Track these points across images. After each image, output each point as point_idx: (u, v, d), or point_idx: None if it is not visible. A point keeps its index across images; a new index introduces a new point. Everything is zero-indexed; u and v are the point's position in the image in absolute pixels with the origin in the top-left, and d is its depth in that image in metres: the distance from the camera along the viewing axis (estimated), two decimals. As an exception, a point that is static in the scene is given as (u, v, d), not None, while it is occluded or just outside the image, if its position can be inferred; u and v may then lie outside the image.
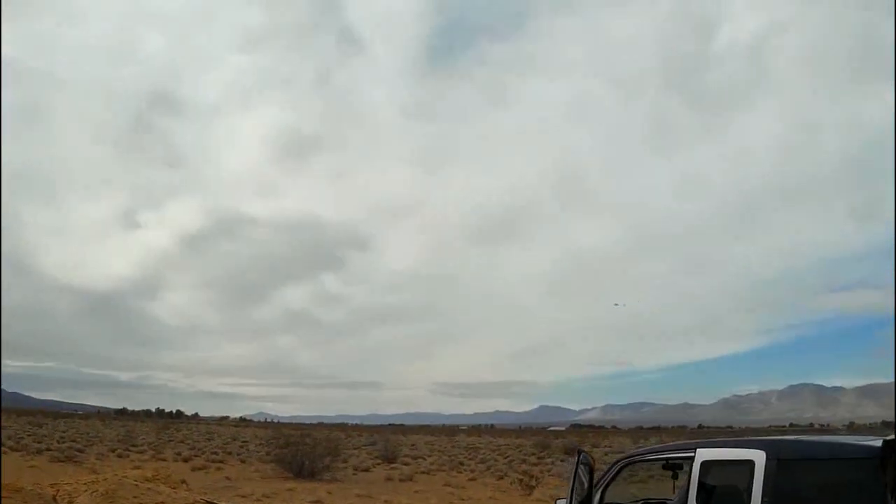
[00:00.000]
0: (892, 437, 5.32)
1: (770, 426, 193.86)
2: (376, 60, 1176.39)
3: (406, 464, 48.65)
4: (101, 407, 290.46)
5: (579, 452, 7.92)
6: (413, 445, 73.18)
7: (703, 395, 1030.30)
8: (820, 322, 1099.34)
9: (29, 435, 58.56)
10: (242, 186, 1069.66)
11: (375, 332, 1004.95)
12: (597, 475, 7.79)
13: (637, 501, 8.99)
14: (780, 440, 6.34)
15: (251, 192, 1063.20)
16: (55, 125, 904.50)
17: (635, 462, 7.94)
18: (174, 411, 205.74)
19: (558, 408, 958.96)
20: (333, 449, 41.19)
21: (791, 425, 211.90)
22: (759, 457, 5.78)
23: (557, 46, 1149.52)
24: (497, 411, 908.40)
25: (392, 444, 60.11)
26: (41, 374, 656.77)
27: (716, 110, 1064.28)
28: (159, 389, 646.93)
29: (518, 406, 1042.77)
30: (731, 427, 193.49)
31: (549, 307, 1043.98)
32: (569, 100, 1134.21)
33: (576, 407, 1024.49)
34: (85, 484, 19.17)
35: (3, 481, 19.67)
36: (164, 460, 43.31)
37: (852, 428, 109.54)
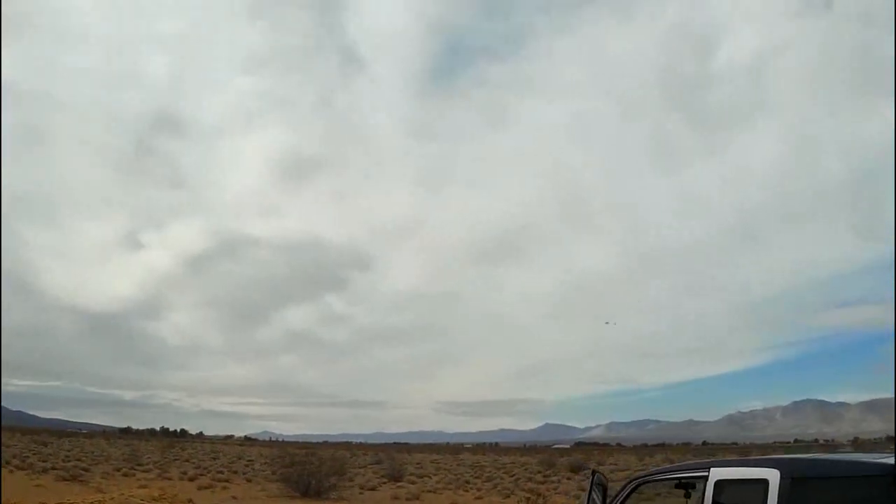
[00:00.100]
0: None
1: (775, 442, 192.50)
2: (378, 81, 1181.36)
3: (412, 482, 48.48)
4: (106, 426, 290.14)
5: (594, 473, 7.92)
6: (418, 464, 72.89)
7: (708, 412, 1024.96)
8: (823, 338, 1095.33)
9: (34, 453, 58.49)
10: (245, 207, 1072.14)
11: (378, 352, 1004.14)
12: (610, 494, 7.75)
13: None
14: (793, 458, 6.23)
15: (254, 213, 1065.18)
16: (57, 147, 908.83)
17: (649, 481, 7.83)
18: (178, 430, 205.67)
19: (563, 426, 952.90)
20: (339, 468, 41.14)
21: (795, 441, 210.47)
22: (773, 475, 5.67)
23: (557, 67, 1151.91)
24: (502, 429, 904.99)
25: (397, 462, 59.99)
26: (46, 393, 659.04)
27: (716, 129, 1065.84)
28: (164, 408, 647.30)
29: (522, 424, 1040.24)
30: (735, 444, 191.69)
31: (552, 326, 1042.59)
32: (569, 120, 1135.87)
33: (580, 425, 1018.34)
34: (91, 503, 19.16)
35: (9, 501, 19.68)
36: (169, 479, 43.18)
37: (856, 443, 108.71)
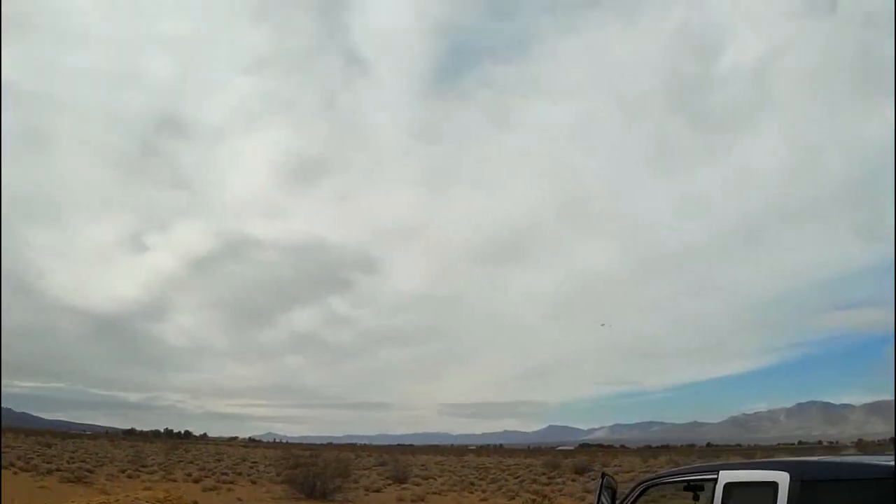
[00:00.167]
0: None
1: (779, 444, 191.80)
2: (381, 82, 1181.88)
3: (417, 484, 48.43)
4: (110, 427, 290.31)
5: (603, 475, 7.86)
6: (423, 466, 72.81)
7: (712, 414, 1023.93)
8: (826, 340, 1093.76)
9: (38, 455, 58.54)
10: (249, 209, 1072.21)
11: (382, 354, 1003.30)
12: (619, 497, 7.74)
13: None
14: (803, 461, 6.11)
15: (258, 215, 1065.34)
16: (59, 148, 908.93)
17: (657, 484, 7.76)
18: (183, 432, 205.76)
19: (567, 427, 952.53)
20: (344, 469, 41.05)
21: (800, 443, 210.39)
22: (782, 478, 5.60)
23: (561, 68, 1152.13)
24: (505, 431, 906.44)
25: (402, 464, 59.88)
26: (49, 395, 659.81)
27: (719, 132, 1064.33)
28: (168, 410, 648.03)
29: (526, 426, 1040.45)
30: (739, 445, 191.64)
31: (555, 328, 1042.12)
32: (572, 121, 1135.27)
33: (584, 426, 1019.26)
34: (97, 505, 19.15)
35: (14, 502, 19.68)
36: (174, 481, 43.15)
37: (860, 445, 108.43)
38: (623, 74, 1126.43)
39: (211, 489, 38.78)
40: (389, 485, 47.52)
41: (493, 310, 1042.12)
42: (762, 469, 6.13)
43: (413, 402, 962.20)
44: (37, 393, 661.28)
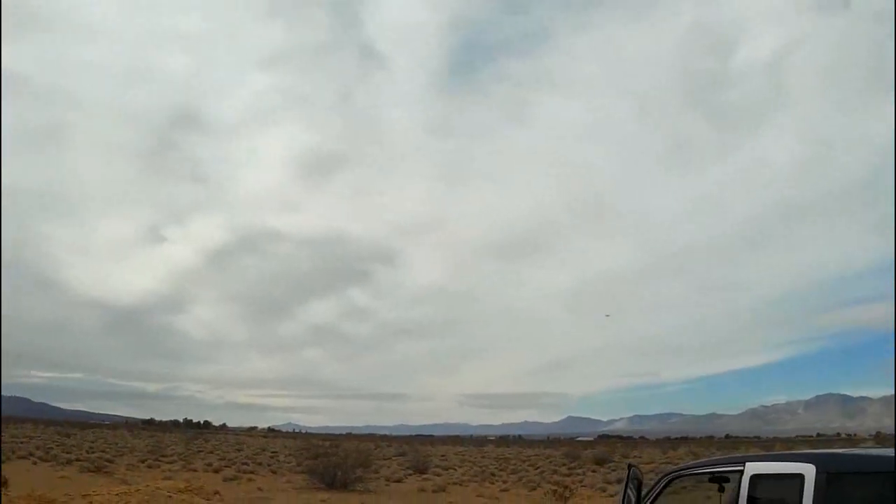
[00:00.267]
0: None
1: (797, 436, 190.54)
2: (396, 76, 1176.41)
3: (437, 475, 48.20)
4: (129, 417, 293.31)
5: (630, 467, 8.13)
6: (443, 456, 72.62)
7: (730, 406, 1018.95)
8: (844, 333, 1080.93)
9: (58, 445, 58.78)
10: (266, 202, 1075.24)
11: (401, 346, 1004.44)
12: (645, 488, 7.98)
13: None
14: (829, 453, 6.34)
15: (275, 208, 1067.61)
16: (77, 143, 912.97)
17: (683, 475, 7.88)
18: (202, 422, 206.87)
19: (586, 419, 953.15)
20: (365, 460, 40.85)
21: (818, 435, 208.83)
22: (808, 470, 5.78)
23: (575, 64, 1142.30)
24: (525, 422, 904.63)
25: (422, 455, 59.65)
26: (69, 386, 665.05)
27: (733, 128, 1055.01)
28: (187, 400, 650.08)
29: (546, 417, 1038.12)
30: (758, 437, 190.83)
31: (572, 323, 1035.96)
32: (586, 117, 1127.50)
33: (603, 418, 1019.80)
34: (117, 495, 18.85)
35: (35, 492, 19.39)
36: (194, 471, 43.08)
37: (879, 438, 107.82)
38: (637, 70, 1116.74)
39: (231, 479, 38.66)
40: (410, 475, 47.35)
41: (509, 304, 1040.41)
42: (788, 461, 6.33)
43: (432, 393, 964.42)
44: (56, 383, 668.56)
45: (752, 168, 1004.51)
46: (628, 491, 7.76)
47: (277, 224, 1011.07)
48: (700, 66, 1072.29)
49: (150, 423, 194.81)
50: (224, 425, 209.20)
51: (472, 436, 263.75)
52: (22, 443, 59.02)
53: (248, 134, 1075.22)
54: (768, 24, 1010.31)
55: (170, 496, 17.85)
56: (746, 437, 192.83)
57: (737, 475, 6.65)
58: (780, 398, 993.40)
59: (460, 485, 41.62)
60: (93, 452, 52.12)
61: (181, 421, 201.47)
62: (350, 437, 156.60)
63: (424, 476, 46.55)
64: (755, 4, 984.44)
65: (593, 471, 52.03)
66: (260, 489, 34.15)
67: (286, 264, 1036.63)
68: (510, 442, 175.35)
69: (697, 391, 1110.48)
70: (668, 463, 53.52)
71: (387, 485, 40.75)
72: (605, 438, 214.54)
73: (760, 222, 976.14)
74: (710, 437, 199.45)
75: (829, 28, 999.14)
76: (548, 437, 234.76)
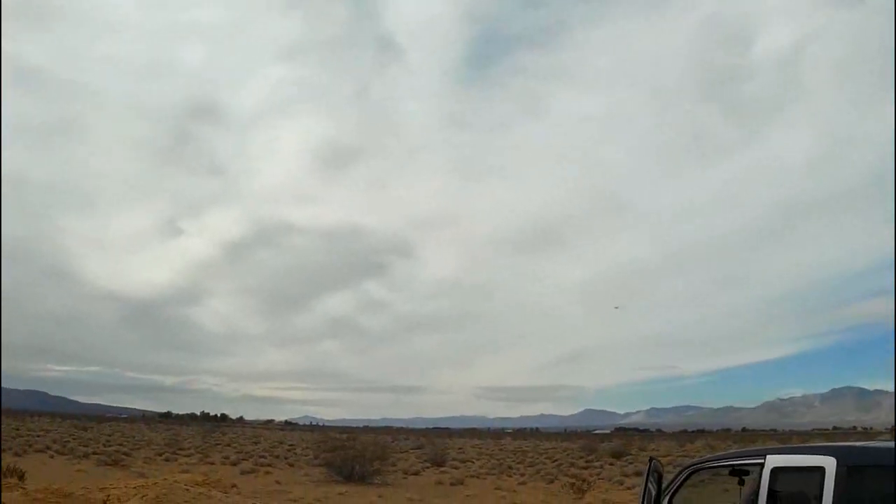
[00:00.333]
0: None
1: (813, 430, 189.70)
2: (413, 69, 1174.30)
3: (455, 467, 48.01)
4: (146, 410, 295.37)
5: (651, 460, 8.16)
6: (460, 449, 72.48)
7: (747, 399, 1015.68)
8: (860, 327, 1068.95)
9: (74, 439, 59.01)
10: (283, 195, 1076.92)
11: (418, 339, 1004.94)
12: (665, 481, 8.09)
13: None
14: (849, 446, 6.40)
15: (291, 201, 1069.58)
16: (94, 136, 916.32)
17: (704, 468, 7.98)
18: (219, 415, 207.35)
19: (603, 411, 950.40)
20: (382, 453, 40.72)
21: (834, 429, 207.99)
22: (829, 463, 5.83)
23: (592, 57, 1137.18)
24: (542, 415, 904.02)
25: (439, 447, 59.54)
26: (85, 379, 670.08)
27: (750, 122, 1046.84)
28: (203, 393, 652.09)
29: (563, 410, 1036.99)
30: (775, 430, 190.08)
31: (589, 316, 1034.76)
32: (603, 110, 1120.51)
33: (620, 410, 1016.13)
34: (135, 488, 18.63)
35: (52, 486, 19.23)
36: (211, 464, 43.11)
37: (894, 431, 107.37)
38: (652, 64, 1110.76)
39: (249, 472, 38.64)
40: (427, 468, 47.25)
41: (526, 298, 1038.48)
42: (808, 454, 6.42)
43: (449, 386, 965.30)
44: (73, 377, 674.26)
45: (768, 162, 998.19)
46: (649, 484, 7.78)
47: (294, 217, 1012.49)
48: (715, 59, 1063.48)
49: (167, 417, 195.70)
50: (241, 418, 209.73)
51: (489, 429, 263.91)
52: (39, 436, 59.29)
53: (265, 126, 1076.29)
54: (784, 17, 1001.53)
55: (187, 489, 17.63)
56: (763, 431, 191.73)
57: (757, 468, 6.70)
58: (797, 391, 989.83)
59: (478, 478, 41.40)
60: (110, 446, 52.22)
61: (198, 414, 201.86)
62: (367, 429, 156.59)
63: (442, 469, 46.45)
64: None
65: (611, 464, 51.85)
66: (277, 482, 34.01)
67: (302, 257, 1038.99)
68: (527, 435, 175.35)
69: (714, 384, 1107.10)
70: (686, 456, 53.22)
71: (404, 478, 40.63)
72: (621, 431, 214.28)
73: (776, 216, 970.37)
74: (727, 430, 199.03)
75: (844, 22, 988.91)
76: (565, 430, 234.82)
